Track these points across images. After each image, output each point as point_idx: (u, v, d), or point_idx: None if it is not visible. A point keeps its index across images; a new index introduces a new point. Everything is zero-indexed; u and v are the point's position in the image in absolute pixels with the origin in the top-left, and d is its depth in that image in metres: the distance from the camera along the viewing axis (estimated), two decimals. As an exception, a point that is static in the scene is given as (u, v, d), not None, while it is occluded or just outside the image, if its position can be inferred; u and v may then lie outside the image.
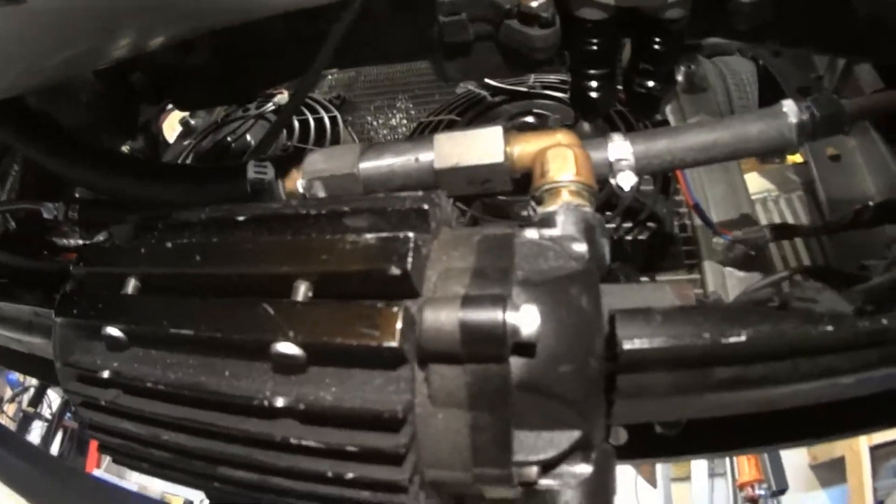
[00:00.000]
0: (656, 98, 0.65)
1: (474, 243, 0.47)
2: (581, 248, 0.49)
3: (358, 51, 0.66)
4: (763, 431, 0.66)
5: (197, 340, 0.46)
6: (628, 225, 0.72)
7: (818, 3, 0.63)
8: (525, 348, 0.42)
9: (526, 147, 0.53)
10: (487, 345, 0.40)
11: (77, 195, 0.74)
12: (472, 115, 0.96)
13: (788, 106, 0.57)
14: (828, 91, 0.57)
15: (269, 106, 1.14)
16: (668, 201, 0.74)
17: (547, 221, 0.50)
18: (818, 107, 0.58)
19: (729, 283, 0.70)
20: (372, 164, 0.56)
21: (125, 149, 0.96)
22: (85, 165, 0.65)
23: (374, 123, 1.13)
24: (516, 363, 0.42)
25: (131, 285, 0.53)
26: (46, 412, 2.99)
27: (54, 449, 2.91)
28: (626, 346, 0.50)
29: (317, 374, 0.44)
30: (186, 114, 1.17)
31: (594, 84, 0.65)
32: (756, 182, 0.77)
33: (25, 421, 3.01)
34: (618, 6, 0.59)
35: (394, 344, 0.40)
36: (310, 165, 0.58)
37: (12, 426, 2.96)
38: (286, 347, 0.42)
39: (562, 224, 0.50)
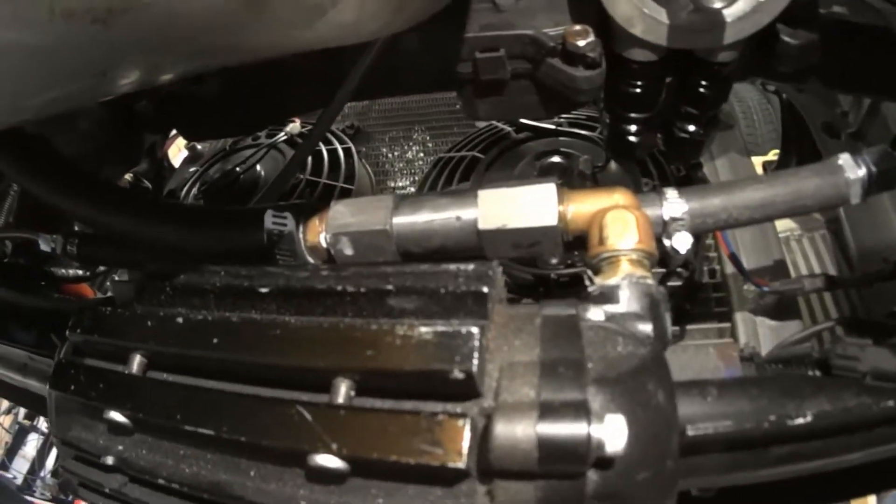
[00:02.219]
0: (698, 143, 0.59)
1: (537, 329, 0.40)
2: (647, 328, 0.43)
3: (381, 85, 0.58)
4: (797, 490, 0.62)
5: (217, 440, 0.39)
6: (660, 271, 0.67)
7: (869, 47, 0.58)
8: (604, 461, 0.36)
9: (581, 208, 0.46)
10: (567, 462, 0.33)
11: (76, 228, 0.64)
12: (497, 152, 0.87)
13: (845, 160, 0.52)
14: (884, 146, 0.52)
15: (281, 136, 1.03)
16: (699, 247, 0.69)
17: (608, 296, 0.44)
18: (874, 161, 0.53)
19: (760, 332, 0.65)
20: (406, 220, 0.48)
21: (128, 176, 0.86)
22: (86, 201, 0.55)
23: (390, 156, 1.03)
24: (591, 475, 0.36)
25: (136, 363, 0.44)
26: (43, 425, 2.82)
27: (50, 463, 2.76)
28: (690, 432, 0.45)
29: (360, 485, 0.36)
30: None
31: (633, 128, 0.58)
32: (778, 221, 0.72)
33: (21, 433, 2.87)
34: (668, 48, 0.53)
35: (460, 465, 0.33)
36: (335, 218, 0.49)
37: (8, 438, 2.81)
38: (327, 460, 0.35)
39: (626, 301, 0.43)
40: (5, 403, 2.92)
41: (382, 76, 0.56)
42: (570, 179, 0.77)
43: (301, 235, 0.50)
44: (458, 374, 0.33)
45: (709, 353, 0.54)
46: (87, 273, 0.78)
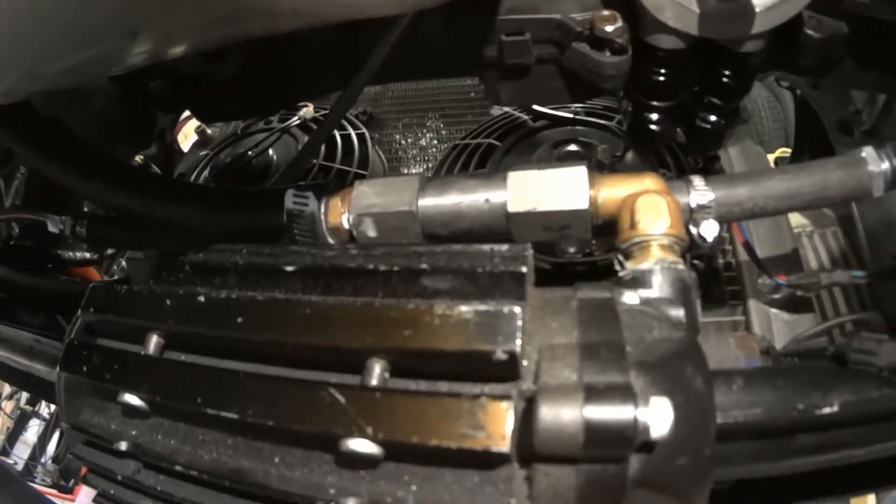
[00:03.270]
0: (719, 134, 0.58)
1: (574, 311, 0.38)
2: (679, 313, 0.42)
3: (402, 67, 0.56)
4: (812, 482, 0.62)
5: (241, 424, 0.37)
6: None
7: (891, 43, 0.57)
8: (647, 445, 0.34)
9: (611, 192, 0.44)
10: (613, 447, 0.32)
11: (86, 209, 0.62)
12: (513, 139, 0.85)
13: (868, 153, 0.51)
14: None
15: (294, 120, 1.00)
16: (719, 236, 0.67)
17: (641, 281, 0.42)
18: (897, 154, 0.52)
19: (775, 325, 0.64)
20: (433, 202, 0.46)
21: (138, 158, 0.83)
22: (98, 180, 0.52)
23: (403, 143, 1.01)
24: (632, 459, 0.35)
25: (153, 343, 0.41)
26: (45, 411, 2.79)
27: (51, 449, 2.72)
28: (720, 419, 0.43)
29: (393, 470, 0.35)
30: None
31: (655, 116, 0.57)
32: (790, 217, 0.72)
33: (23, 419, 2.82)
34: (695, 36, 0.52)
35: (504, 449, 0.31)
36: (359, 199, 0.47)
37: (9, 423, 2.77)
38: (361, 445, 0.33)
39: (658, 285, 0.42)
40: (7, 388, 2.89)
41: (403, 58, 0.55)
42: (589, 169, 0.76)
43: (322, 216, 0.48)
44: (500, 355, 0.31)
45: (729, 343, 0.52)
46: (95, 256, 0.75)
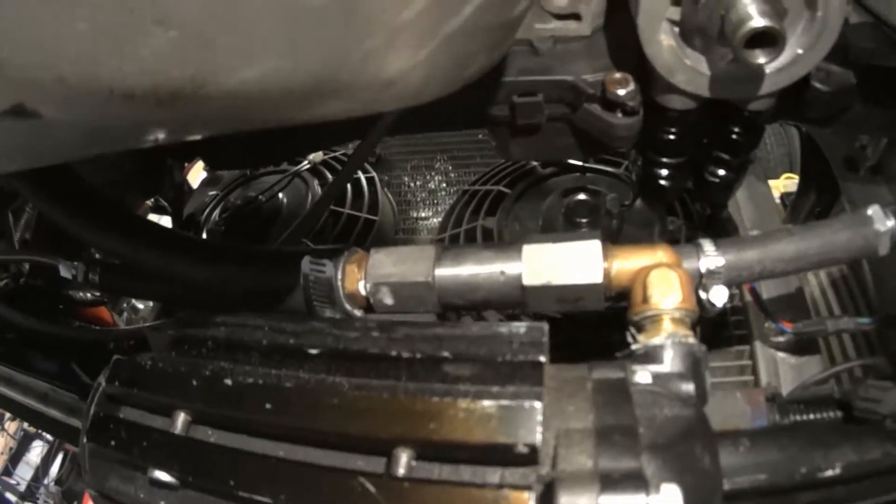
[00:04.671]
0: (728, 187, 0.61)
1: (589, 394, 0.42)
2: (689, 388, 0.45)
3: (415, 122, 0.59)
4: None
5: (274, 508, 0.40)
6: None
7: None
8: None
9: (624, 265, 0.48)
10: (626, 534, 0.36)
11: (97, 255, 0.64)
12: (523, 186, 0.89)
13: (875, 212, 0.54)
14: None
15: (305, 164, 1.03)
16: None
17: (653, 356, 0.46)
18: (904, 213, 0.56)
19: (781, 369, 0.68)
20: (449, 273, 0.49)
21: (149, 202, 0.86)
22: (112, 233, 0.55)
23: (412, 185, 1.04)
24: (644, 543, 0.39)
25: (180, 421, 0.44)
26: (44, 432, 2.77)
27: (54, 470, 2.78)
28: (726, 486, 0.47)
29: (420, 556, 0.39)
30: None
31: (665, 172, 0.60)
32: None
33: (26, 440, 2.86)
34: (704, 97, 0.55)
35: None
36: (375, 268, 0.51)
37: (12, 444, 2.81)
38: (391, 534, 0.37)
39: (670, 361, 0.45)
40: (9, 409, 2.92)
41: (417, 114, 0.57)
42: (598, 218, 0.79)
43: (339, 282, 0.51)
44: (522, 448, 0.35)
45: (736, 398, 0.56)
46: (106, 297, 0.78)
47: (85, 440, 0.49)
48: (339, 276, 0.50)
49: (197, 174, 1.16)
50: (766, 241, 0.52)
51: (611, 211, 0.75)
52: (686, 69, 0.52)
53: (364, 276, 0.50)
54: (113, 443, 0.47)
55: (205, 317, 0.50)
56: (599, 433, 0.37)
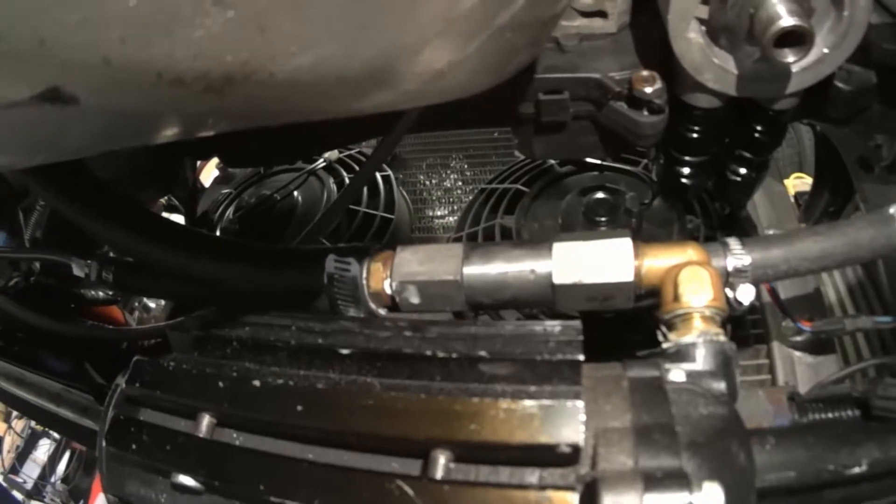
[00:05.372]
0: (750, 186, 0.62)
1: (625, 392, 0.42)
2: (722, 386, 0.45)
3: (437, 119, 0.59)
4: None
5: (308, 512, 0.39)
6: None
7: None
8: None
9: (655, 263, 0.48)
10: (670, 533, 0.36)
11: (111, 254, 0.64)
12: (541, 185, 0.89)
13: (896, 210, 0.55)
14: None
15: (320, 162, 1.03)
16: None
17: (684, 354, 0.46)
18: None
19: (798, 369, 0.68)
20: (478, 271, 0.49)
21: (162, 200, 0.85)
22: (128, 230, 0.54)
23: (427, 183, 1.04)
24: (686, 542, 0.39)
25: (205, 423, 0.44)
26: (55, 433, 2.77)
27: (61, 469, 2.76)
28: (757, 483, 0.48)
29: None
30: None
31: (687, 171, 0.60)
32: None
33: (33, 438, 2.85)
34: (730, 96, 0.55)
35: None
36: (401, 266, 0.50)
37: (19, 442, 2.80)
38: (432, 537, 0.36)
39: (702, 359, 0.45)
40: (18, 405, 2.91)
41: (439, 111, 0.57)
42: (617, 216, 0.80)
43: (364, 281, 0.51)
44: (564, 448, 0.35)
45: (759, 397, 0.57)
46: (118, 296, 0.77)
47: (103, 444, 0.48)
48: (364, 275, 0.50)
49: (209, 172, 1.15)
50: (791, 240, 0.52)
51: (630, 210, 0.76)
52: (714, 67, 0.52)
53: (390, 274, 0.49)
54: (133, 446, 0.46)
55: (228, 316, 0.49)
56: (638, 432, 0.37)
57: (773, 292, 0.66)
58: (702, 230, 0.77)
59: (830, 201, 0.85)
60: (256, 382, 0.42)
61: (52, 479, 2.78)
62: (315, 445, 0.40)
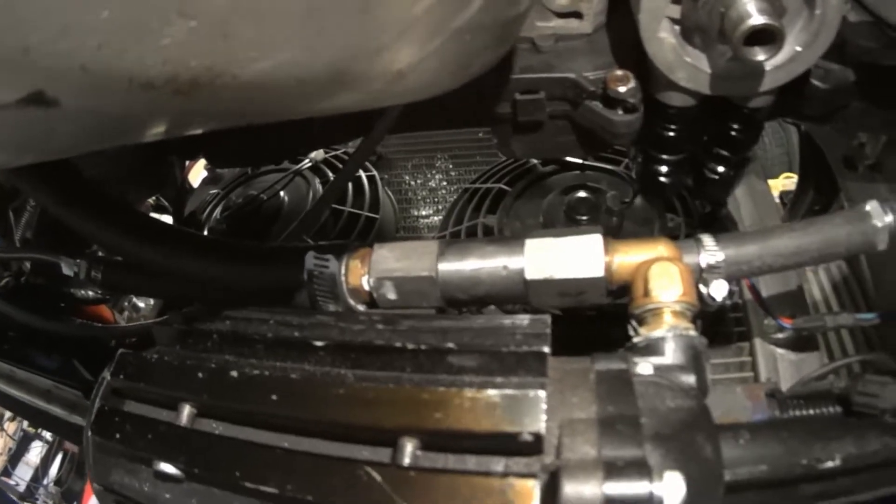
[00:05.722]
0: (727, 184, 0.62)
1: (592, 384, 0.43)
2: (690, 379, 0.46)
3: (417, 120, 0.60)
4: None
5: (279, 499, 0.41)
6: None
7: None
8: None
9: (626, 259, 0.48)
10: (630, 521, 0.36)
11: (100, 253, 0.65)
12: (523, 185, 0.90)
13: (873, 208, 0.55)
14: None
15: (306, 162, 1.04)
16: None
17: (654, 348, 0.46)
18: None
19: (780, 366, 0.69)
20: (453, 268, 0.50)
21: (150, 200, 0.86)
22: (116, 230, 0.55)
23: (412, 184, 1.05)
24: (648, 531, 0.39)
25: (186, 413, 0.45)
26: (47, 433, 2.82)
27: (53, 471, 2.80)
28: (727, 476, 0.48)
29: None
30: None
31: (665, 169, 0.61)
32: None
33: (25, 441, 2.88)
34: (703, 94, 0.56)
35: None
36: (379, 262, 0.51)
37: (12, 445, 2.83)
38: (397, 522, 0.37)
39: (671, 353, 0.46)
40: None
41: (419, 111, 0.58)
42: (598, 215, 0.80)
43: (343, 277, 0.52)
44: (527, 437, 0.36)
45: (736, 392, 0.57)
46: (107, 296, 0.79)
47: (90, 434, 0.50)
48: (343, 272, 0.51)
49: (198, 173, 1.17)
50: (765, 237, 0.53)
51: (611, 208, 0.76)
52: (686, 66, 0.53)
53: (368, 271, 0.50)
54: (118, 436, 0.48)
55: (210, 311, 0.51)
56: (603, 423, 0.38)
57: (754, 289, 0.66)
58: (682, 228, 0.77)
59: (815, 200, 0.85)
60: (234, 373, 0.43)
61: (45, 482, 2.82)
62: (290, 434, 0.41)
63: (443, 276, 0.48)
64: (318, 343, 0.42)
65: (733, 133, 0.58)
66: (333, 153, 1.06)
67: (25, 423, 2.87)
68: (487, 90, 0.56)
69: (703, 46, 0.53)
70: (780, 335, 0.68)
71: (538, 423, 0.35)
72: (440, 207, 1.03)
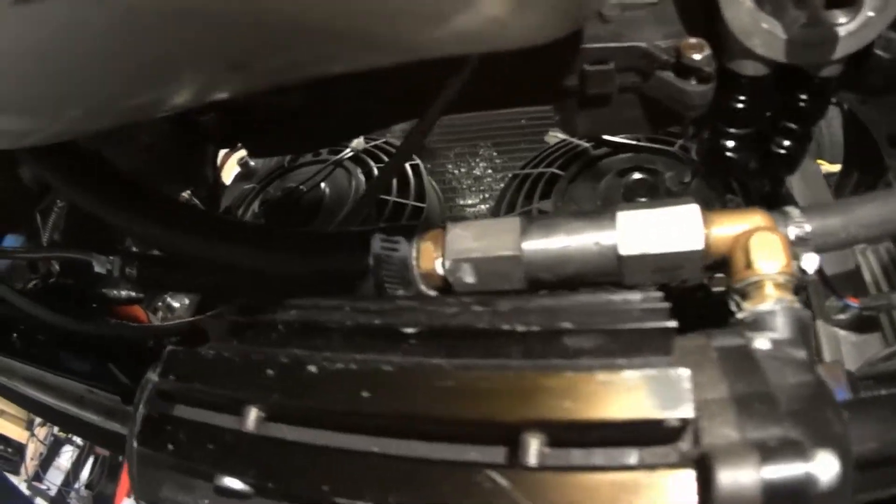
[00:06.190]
0: (794, 159, 0.61)
1: (716, 363, 0.40)
2: (803, 353, 0.43)
3: (475, 98, 0.56)
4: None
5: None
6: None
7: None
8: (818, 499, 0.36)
9: (723, 230, 0.45)
10: None
11: (134, 248, 0.59)
12: (576, 168, 0.87)
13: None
14: None
15: (347, 152, 1.00)
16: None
17: (763, 323, 0.44)
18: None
19: (843, 348, 0.67)
20: (539, 246, 0.46)
21: (185, 195, 0.81)
22: (156, 222, 0.49)
23: (456, 172, 1.01)
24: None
25: (252, 417, 0.40)
26: (78, 437, 2.77)
27: (84, 475, 2.77)
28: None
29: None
30: (244, 154, 1.01)
31: (732, 144, 0.59)
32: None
33: (56, 445, 2.86)
34: (777, 63, 0.54)
35: None
36: (454, 243, 0.47)
37: (42, 450, 2.81)
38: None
39: (782, 326, 0.43)
40: (40, 412, 2.87)
41: (479, 89, 0.55)
42: (658, 196, 0.78)
43: (414, 261, 0.47)
44: (673, 422, 0.32)
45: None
46: (141, 295, 0.73)
47: (135, 444, 0.44)
48: (414, 255, 0.47)
49: (230, 171, 1.11)
50: (849, 207, 0.50)
51: (670, 189, 0.74)
52: (762, 33, 0.50)
53: (442, 252, 0.46)
54: (170, 446, 0.42)
55: (271, 301, 0.46)
56: (738, 402, 0.35)
57: (821, 270, 0.64)
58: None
59: (861, 181, 0.85)
60: (312, 368, 0.38)
61: (76, 486, 2.78)
62: (381, 436, 0.37)
63: (528, 255, 0.44)
64: (408, 330, 0.38)
65: (802, 104, 0.56)
66: (374, 143, 1.02)
67: (56, 428, 2.81)
68: (555, 61, 0.53)
69: (775, 13, 0.51)
70: (841, 316, 0.66)
71: (687, 406, 0.31)
72: (486, 196, 0.99)
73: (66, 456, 2.86)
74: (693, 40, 0.50)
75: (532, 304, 0.38)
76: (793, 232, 0.49)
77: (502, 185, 0.95)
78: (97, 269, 0.57)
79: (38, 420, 2.82)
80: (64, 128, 0.42)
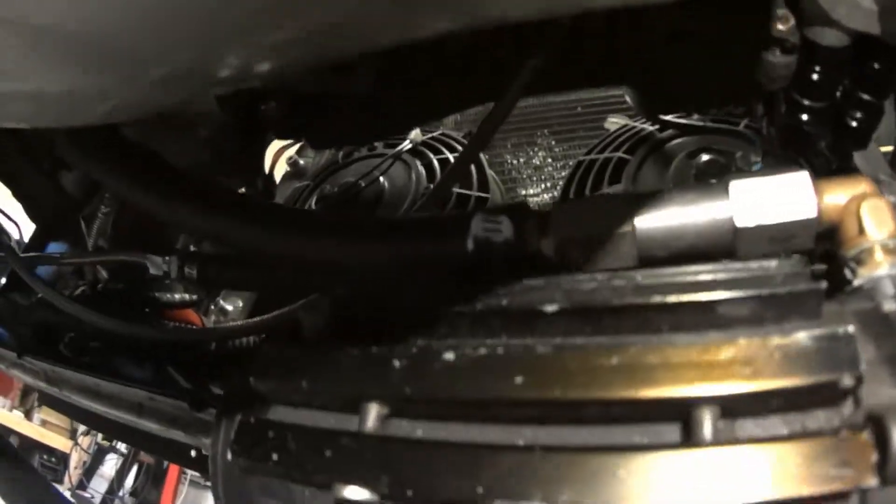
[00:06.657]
0: (868, 132, 0.61)
1: (857, 324, 0.39)
2: (922, 314, 0.44)
3: (554, 76, 0.55)
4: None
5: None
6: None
7: None
8: None
9: (833, 198, 0.46)
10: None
11: (191, 248, 0.57)
12: (644, 152, 0.87)
13: None
14: None
15: (406, 144, 0.97)
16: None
17: (882, 287, 0.44)
18: None
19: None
20: (652, 222, 0.46)
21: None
22: (221, 215, 0.48)
23: (515, 162, 0.99)
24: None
25: (373, 415, 0.37)
26: (122, 445, 2.80)
27: (128, 483, 2.77)
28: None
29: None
30: (294, 151, 0.98)
31: (808, 118, 0.59)
32: None
33: (100, 454, 2.85)
34: (858, 32, 0.54)
35: (873, 484, 0.32)
36: (562, 221, 0.47)
37: (86, 458, 2.80)
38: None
39: (898, 290, 0.44)
40: (83, 423, 2.82)
41: (559, 64, 0.54)
42: None
43: (520, 243, 0.46)
44: (847, 382, 0.32)
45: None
46: (195, 298, 0.70)
47: (229, 455, 0.41)
48: (520, 235, 0.46)
49: (279, 170, 1.08)
50: (940, 174, 0.51)
51: (742, 169, 0.74)
52: (847, 2, 0.51)
53: (549, 232, 0.45)
54: (275, 456, 0.38)
55: (372, 293, 0.44)
56: (891, 362, 0.35)
57: None
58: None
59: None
60: (449, 356, 0.37)
61: (121, 493, 2.76)
62: (535, 425, 0.35)
63: (641, 231, 0.44)
64: (549, 308, 0.37)
65: (878, 76, 0.57)
66: (431, 135, 1.00)
67: (100, 436, 2.79)
68: (630, 36, 0.53)
69: (854, -18, 0.52)
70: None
71: (858, 364, 0.31)
72: (548, 185, 0.98)
73: (110, 464, 2.85)
74: (779, 11, 0.50)
75: (672, 277, 0.37)
76: (892, 199, 0.50)
77: (563, 173, 0.94)
78: (153, 271, 0.54)
79: (81, 428, 2.79)
80: (140, 96, 0.39)
